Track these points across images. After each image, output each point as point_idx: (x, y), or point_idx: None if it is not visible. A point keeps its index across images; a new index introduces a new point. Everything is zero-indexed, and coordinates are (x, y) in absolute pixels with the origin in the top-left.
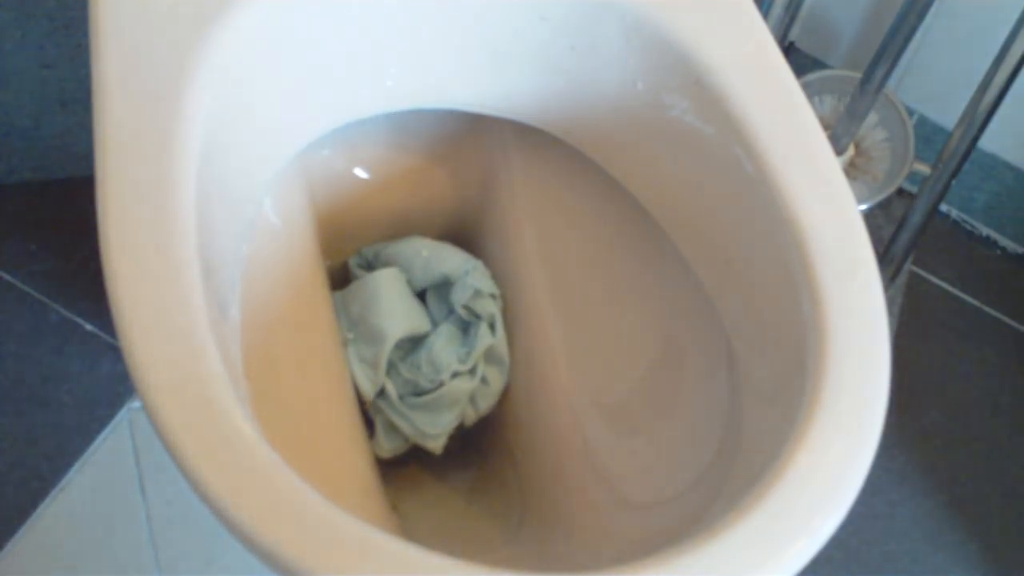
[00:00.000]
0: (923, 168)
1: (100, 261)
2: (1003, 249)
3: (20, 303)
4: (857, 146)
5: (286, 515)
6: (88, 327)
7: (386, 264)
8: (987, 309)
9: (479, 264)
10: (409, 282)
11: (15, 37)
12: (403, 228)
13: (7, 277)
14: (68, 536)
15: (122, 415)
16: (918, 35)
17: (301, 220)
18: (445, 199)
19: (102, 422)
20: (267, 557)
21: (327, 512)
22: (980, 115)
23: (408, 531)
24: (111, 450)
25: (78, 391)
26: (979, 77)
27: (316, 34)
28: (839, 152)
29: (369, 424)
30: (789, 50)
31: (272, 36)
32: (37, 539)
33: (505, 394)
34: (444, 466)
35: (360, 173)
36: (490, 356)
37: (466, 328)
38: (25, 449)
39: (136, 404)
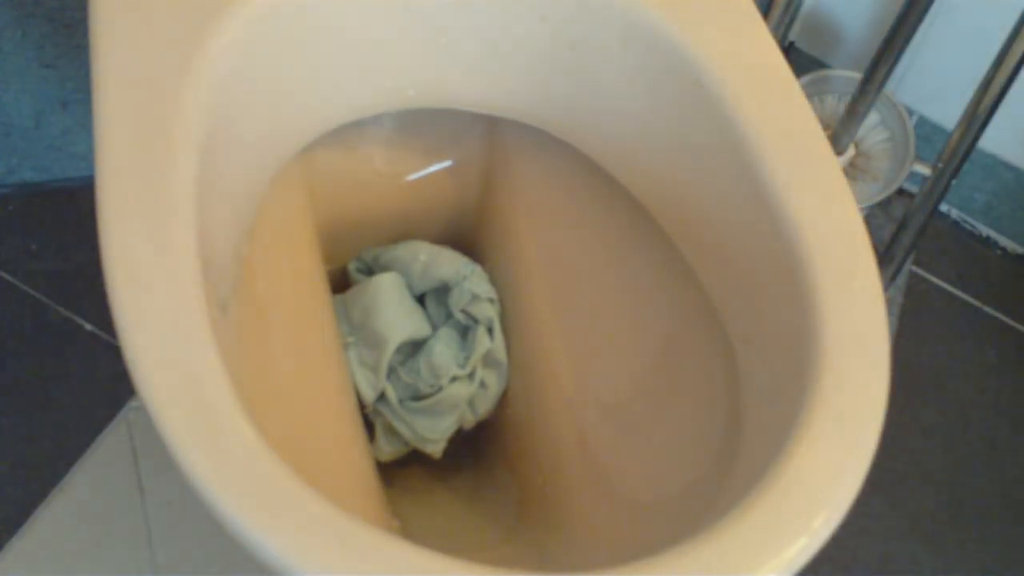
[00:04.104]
0: (923, 168)
1: (100, 261)
2: (1003, 249)
3: (20, 303)
4: (857, 146)
5: (286, 515)
6: (88, 327)
7: (385, 268)
8: (987, 309)
9: (477, 268)
10: (408, 286)
11: (15, 37)
12: (403, 229)
13: (7, 277)
14: (67, 536)
15: (122, 415)
16: (918, 35)
17: (301, 220)
18: (445, 199)
19: (102, 422)
20: (266, 557)
21: (328, 513)
22: (980, 115)
23: (408, 533)
24: (111, 450)
25: (78, 391)
26: (979, 77)
27: (315, 34)
28: (839, 152)
29: (369, 427)
30: (789, 50)
31: (272, 36)
32: (37, 539)
33: (504, 397)
34: (444, 469)
35: (360, 174)
36: (488, 360)
37: (465, 332)
38: (25, 449)
39: (136, 404)
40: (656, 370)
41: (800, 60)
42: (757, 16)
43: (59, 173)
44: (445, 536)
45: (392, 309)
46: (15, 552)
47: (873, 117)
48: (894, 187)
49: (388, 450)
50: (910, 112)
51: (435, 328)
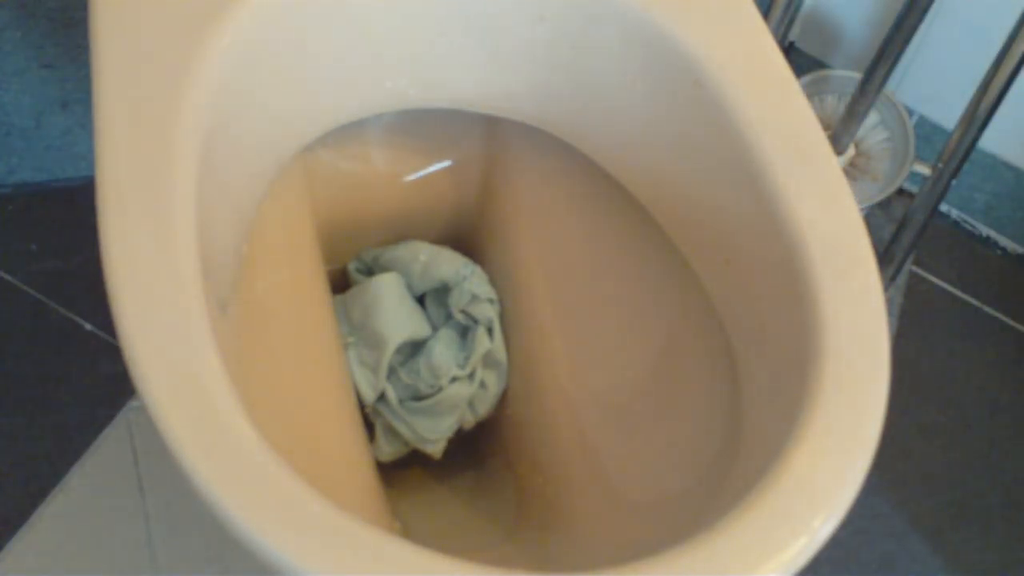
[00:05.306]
0: (923, 168)
1: (100, 261)
2: (1003, 249)
3: (20, 303)
4: (857, 146)
5: (286, 515)
6: (88, 327)
7: (385, 269)
8: (987, 309)
9: (477, 269)
10: (408, 287)
11: (15, 37)
12: (403, 229)
13: (7, 277)
14: (67, 536)
15: (122, 415)
16: (918, 35)
17: (301, 220)
18: (444, 200)
19: (102, 422)
20: (266, 557)
21: (328, 512)
22: (980, 115)
23: (408, 533)
24: (111, 450)
25: (78, 391)
26: (979, 77)
27: (315, 34)
28: (839, 152)
29: (369, 427)
30: (789, 50)
31: (271, 36)
32: (37, 539)
33: (504, 397)
34: (444, 469)
35: (360, 174)
36: (488, 361)
37: (465, 333)
38: (25, 449)
39: (136, 404)
40: (656, 370)
41: (800, 60)
42: (757, 16)
43: (59, 173)
44: (445, 536)
45: (392, 309)
46: (15, 552)
47: (873, 117)
48: (894, 187)
49: (388, 450)
50: (910, 112)
51: (435, 328)
